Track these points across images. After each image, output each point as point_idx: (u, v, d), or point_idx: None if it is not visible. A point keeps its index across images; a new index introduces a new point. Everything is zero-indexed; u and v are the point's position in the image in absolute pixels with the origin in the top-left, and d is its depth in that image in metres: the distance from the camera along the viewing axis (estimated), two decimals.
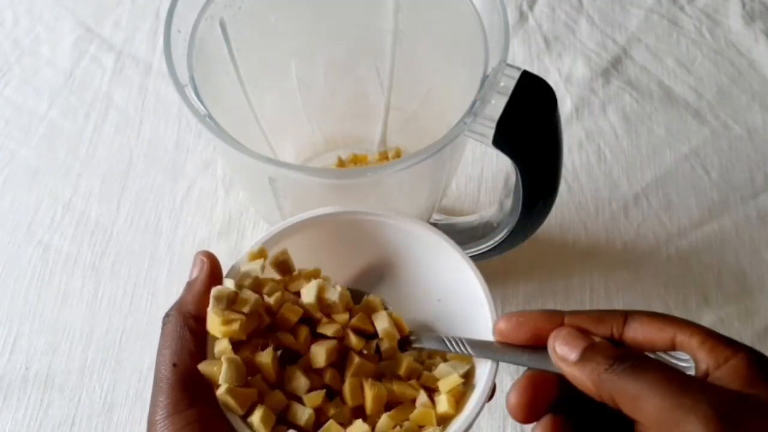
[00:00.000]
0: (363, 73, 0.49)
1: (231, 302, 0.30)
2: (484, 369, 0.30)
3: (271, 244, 0.33)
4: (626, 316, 0.27)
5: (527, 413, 0.28)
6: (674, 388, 0.23)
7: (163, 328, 0.30)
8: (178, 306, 0.30)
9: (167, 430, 0.26)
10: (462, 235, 0.47)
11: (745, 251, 0.54)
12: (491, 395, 0.31)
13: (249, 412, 0.29)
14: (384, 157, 0.53)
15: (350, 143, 0.54)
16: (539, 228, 0.43)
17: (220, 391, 0.28)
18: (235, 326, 0.29)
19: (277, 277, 0.33)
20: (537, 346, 0.28)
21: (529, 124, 0.35)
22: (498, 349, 0.30)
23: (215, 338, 0.30)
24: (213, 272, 0.31)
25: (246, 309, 0.30)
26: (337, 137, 0.54)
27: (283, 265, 0.33)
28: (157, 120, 0.60)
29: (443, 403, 0.30)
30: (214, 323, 0.29)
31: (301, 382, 0.30)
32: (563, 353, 0.27)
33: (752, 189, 0.57)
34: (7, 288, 0.53)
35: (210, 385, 0.29)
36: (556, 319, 0.28)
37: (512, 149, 0.36)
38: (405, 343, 0.33)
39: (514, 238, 0.43)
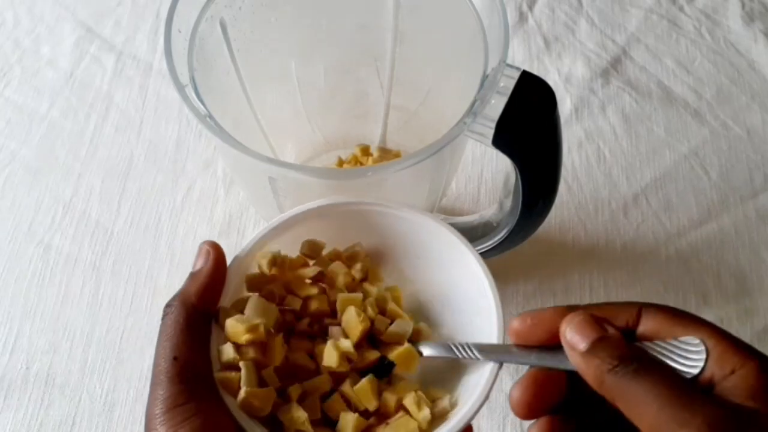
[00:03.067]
0: (363, 73, 0.49)
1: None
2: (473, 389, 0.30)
3: (274, 235, 0.33)
4: (640, 309, 0.27)
5: (529, 411, 0.28)
6: (673, 399, 0.23)
7: (164, 319, 0.29)
8: (181, 297, 0.29)
9: (166, 424, 0.26)
10: (462, 235, 0.47)
11: (745, 251, 0.54)
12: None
13: (273, 411, 0.29)
14: (384, 157, 0.53)
15: (350, 143, 0.54)
16: (539, 228, 0.43)
17: (241, 397, 0.28)
18: (260, 331, 0.29)
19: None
20: (551, 345, 0.28)
21: (528, 124, 0.35)
22: (506, 351, 0.29)
23: (226, 339, 0.30)
24: (218, 264, 0.30)
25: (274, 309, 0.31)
26: (337, 137, 0.54)
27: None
28: (157, 120, 0.61)
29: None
30: (236, 330, 0.29)
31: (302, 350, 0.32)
32: (573, 341, 0.26)
33: (751, 189, 0.57)
34: (8, 288, 0.53)
35: (210, 377, 0.28)
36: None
37: (512, 149, 0.36)
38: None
39: (513, 238, 0.43)
